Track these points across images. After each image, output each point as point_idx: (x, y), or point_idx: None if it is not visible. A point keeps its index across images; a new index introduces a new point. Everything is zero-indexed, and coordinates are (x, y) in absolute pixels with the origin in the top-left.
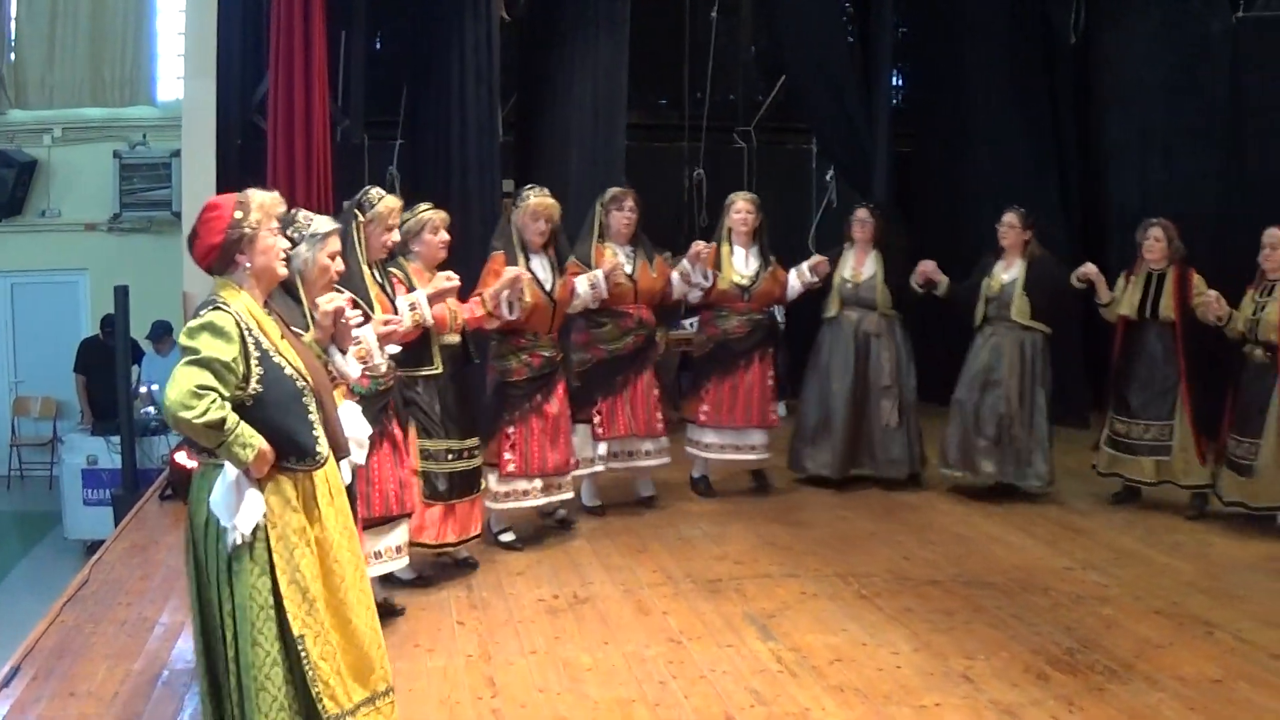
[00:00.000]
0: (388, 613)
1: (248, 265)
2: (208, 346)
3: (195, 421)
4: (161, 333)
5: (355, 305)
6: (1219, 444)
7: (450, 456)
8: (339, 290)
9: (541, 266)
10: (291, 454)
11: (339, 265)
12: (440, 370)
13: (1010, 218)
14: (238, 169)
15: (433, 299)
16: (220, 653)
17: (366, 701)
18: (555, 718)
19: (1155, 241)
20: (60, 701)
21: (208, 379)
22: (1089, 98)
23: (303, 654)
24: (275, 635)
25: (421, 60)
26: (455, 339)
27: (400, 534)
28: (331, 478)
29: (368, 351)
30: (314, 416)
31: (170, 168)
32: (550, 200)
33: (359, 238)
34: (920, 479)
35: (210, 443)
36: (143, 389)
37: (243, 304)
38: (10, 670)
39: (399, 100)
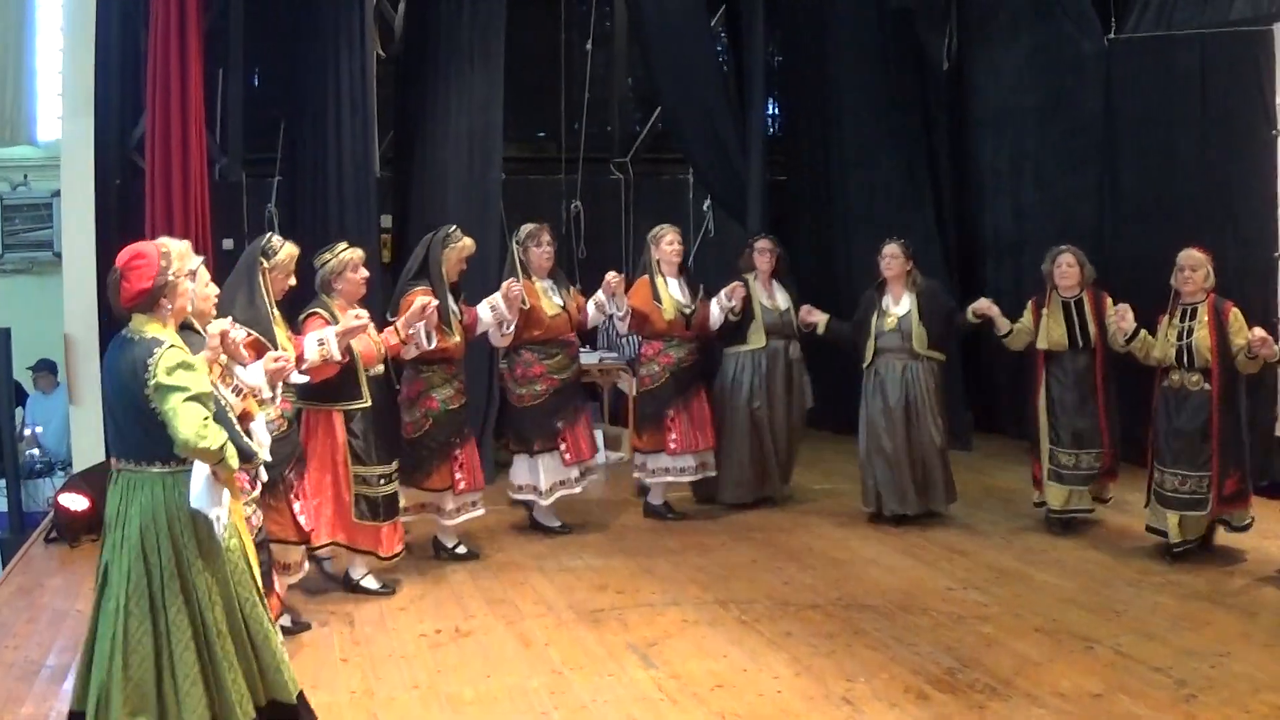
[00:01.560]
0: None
1: (169, 307)
2: (194, 383)
3: (213, 449)
4: (44, 369)
5: (258, 341)
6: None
7: (382, 481)
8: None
9: (553, 291)
10: (243, 458)
11: (215, 292)
12: (369, 403)
13: (892, 249)
14: (117, 208)
15: (343, 336)
16: (197, 628)
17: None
18: None
19: (1069, 268)
20: None
21: (206, 412)
22: (962, 122)
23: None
24: (257, 590)
25: (298, 97)
26: (380, 369)
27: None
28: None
29: (256, 388)
30: (236, 423)
31: (51, 208)
32: (545, 230)
33: (264, 282)
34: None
35: (213, 460)
36: (27, 431)
37: (171, 335)
38: None
39: (277, 137)
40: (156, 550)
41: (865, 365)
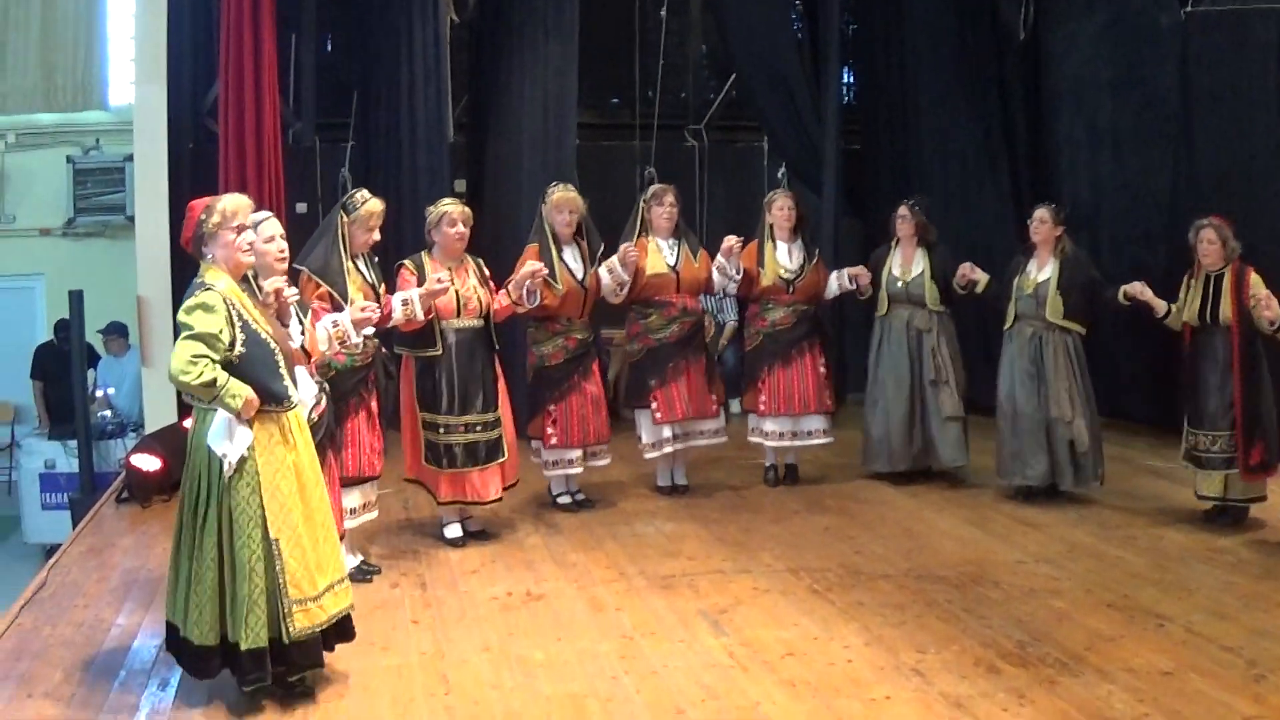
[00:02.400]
0: (362, 575)
1: (211, 255)
2: (199, 322)
3: (192, 383)
4: (115, 332)
5: (317, 289)
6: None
7: (442, 430)
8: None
9: (573, 256)
10: (270, 400)
11: (278, 247)
12: (439, 351)
13: (1042, 213)
14: (190, 173)
15: (425, 297)
16: (208, 550)
17: (327, 589)
18: (508, 714)
19: (1209, 244)
20: (17, 704)
21: (200, 349)
22: (1039, 94)
23: (276, 554)
24: (260, 538)
25: (371, 62)
26: (470, 323)
27: (369, 491)
28: (299, 418)
29: (344, 333)
30: (283, 370)
31: (124, 172)
32: (571, 194)
33: (343, 235)
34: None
35: (207, 398)
36: (99, 393)
37: (225, 283)
38: None
39: (350, 102)
40: (194, 476)
41: (1005, 328)
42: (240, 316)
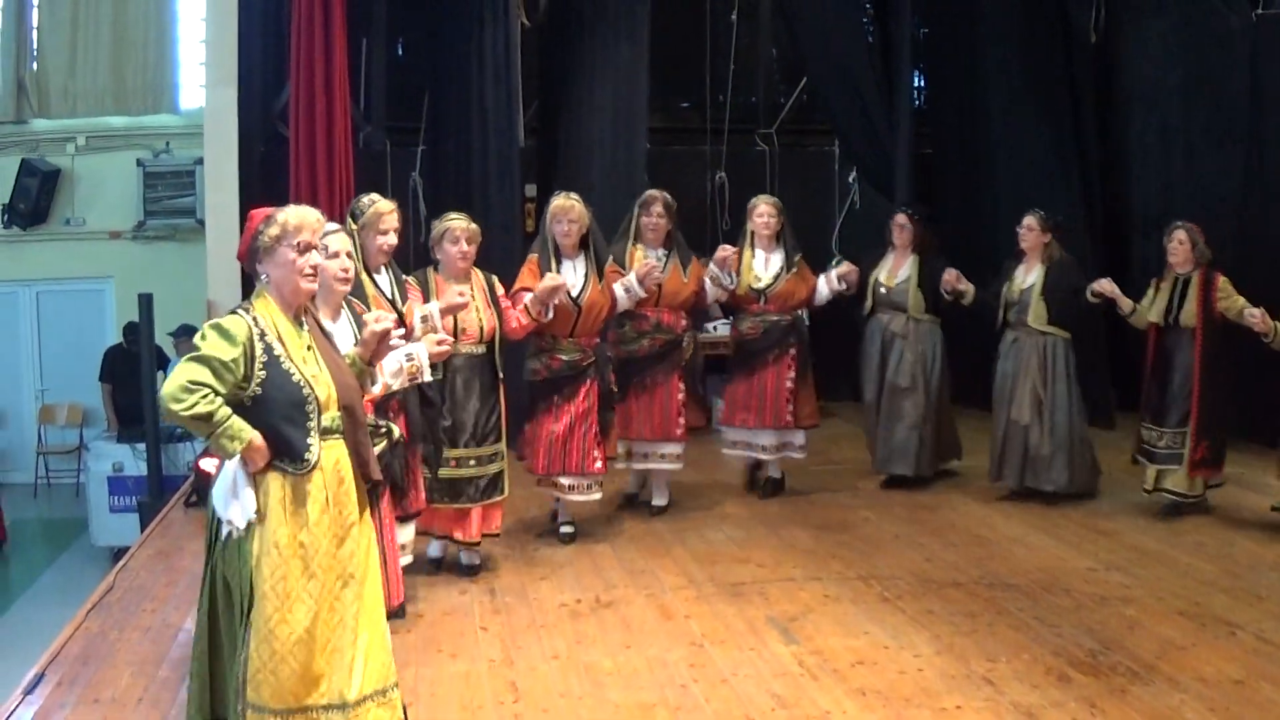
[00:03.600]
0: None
1: (264, 276)
2: (212, 346)
3: (182, 413)
4: (185, 334)
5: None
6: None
7: (450, 463)
8: (353, 300)
9: (572, 270)
10: (284, 455)
11: (341, 265)
12: (436, 377)
13: (1030, 220)
14: (260, 176)
15: (445, 312)
16: (201, 612)
17: (300, 711)
18: None
19: (1179, 245)
20: (84, 708)
21: (203, 375)
22: (1109, 97)
23: (245, 644)
24: (239, 619)
25: (442, 66)
26: (468, 349)
27: (408, 532)
28: (331, 486)
29: (418, 369)
30: (312, 424)
31: (194, 175)
32: (567, 201)
33: (355, 246)
34: (950, 473)
35: (201, 433)
36: None
37: (268, 312)
38: (35, 676)
39: (421, 106)
40: (206, 525)
41: (997, 331)
42: (269, 352)
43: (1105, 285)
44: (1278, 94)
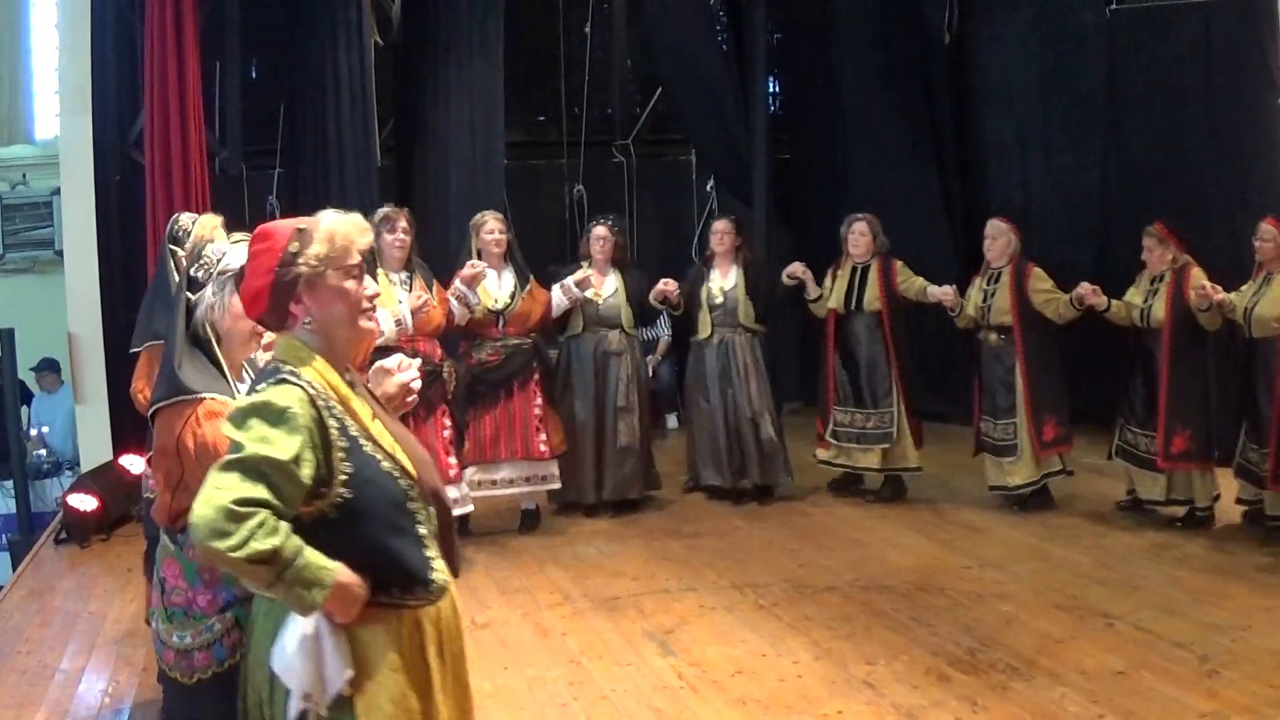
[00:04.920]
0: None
1: (307, 320)
2: (256, 440)
3: (233, 556)
4: (47, 369)
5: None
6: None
7: None
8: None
9: (496, 281)
10: (395, 585)
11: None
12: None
13: (724, 224)
14: (118, 205)
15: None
16: None
17: None
18: None
19: (860, 236)
20: None
21: (254, 490)
22: (966, 96)
23: None
24: None
25: (297, 87)
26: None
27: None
28: (444, 616)
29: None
30: (424, 529)
31: (51, 206)
32: (496, 218)
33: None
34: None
35: (260, 583)
36: (34, 431)
37: (319, 373)
38: None
39: (276, 129)
40: (248, 709)
41: (695, 338)
42: (344, 432)
43: (797, 268)
44: (1133, 88)
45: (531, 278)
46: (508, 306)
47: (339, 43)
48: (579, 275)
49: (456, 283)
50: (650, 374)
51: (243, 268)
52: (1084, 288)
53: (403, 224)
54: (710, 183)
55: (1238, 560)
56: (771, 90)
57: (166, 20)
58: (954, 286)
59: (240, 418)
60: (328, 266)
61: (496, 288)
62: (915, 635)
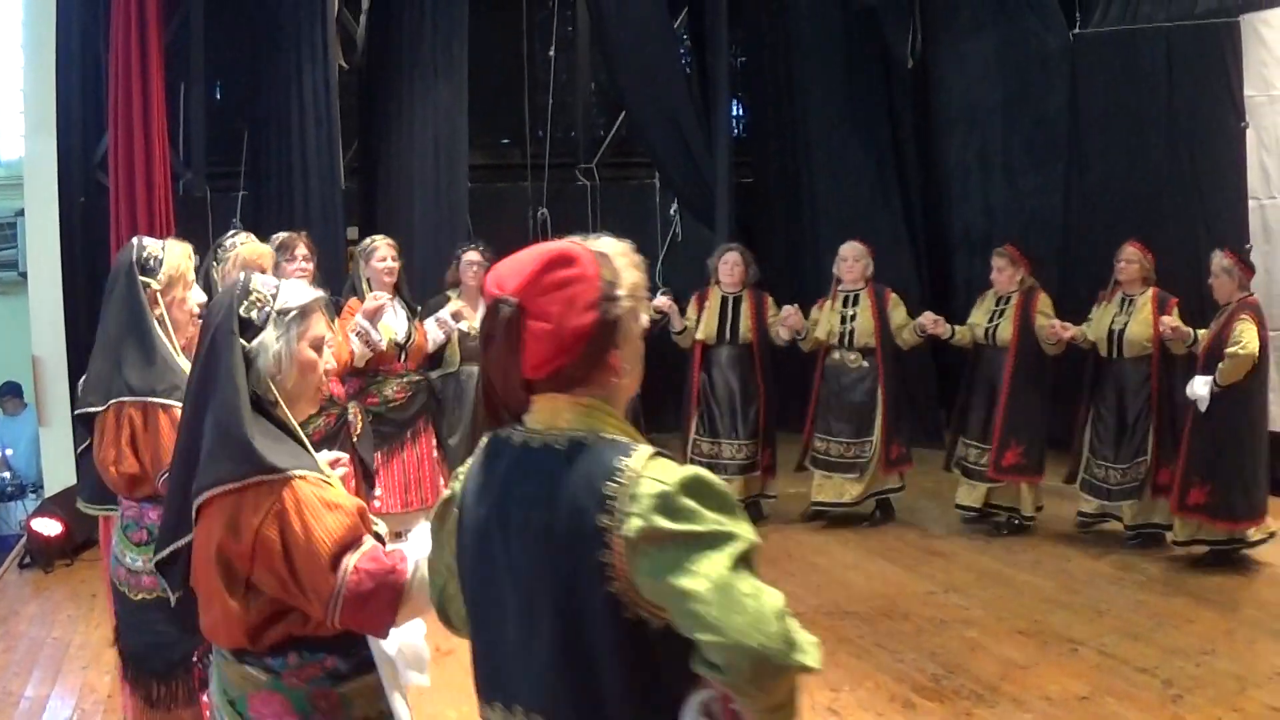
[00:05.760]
0: None
1: (616, 376)
2: (739, 525)
3: (814, 666)
4: (10, 392)
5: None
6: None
7: None
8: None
9: (393, 312)
10: None
11: (329, 362)
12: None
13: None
14: (82, 226)
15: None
16: None
17: None
18: None
19: (734, 266)
20: None
21: (777, 597)
22: (929, 120)
23: None
24: None
25: (261, 109)
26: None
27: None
28: None
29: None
30: None
31: (15, 227)
32: (388, 244)
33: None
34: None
35: (783, 698)
36: None
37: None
38: None
39: (240, 150)
40: None
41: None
42: None
43: (662, 302)
44: (1096, 113)
45: (420, 312)
46: (410, 339)
47: (304, 65)
48: (452, 307)
49: (358, 317)
50: None
51: (316, 302)
52: (926, 317)
53: (301, 250)
54: (674, 206)
55: (1200, 583)
56: (735, 113)
57: (131, 41)
58: (934, 317)
59: (700, 503)
60: (638, 304)
61: (394, 319)
62: (879, 661)
